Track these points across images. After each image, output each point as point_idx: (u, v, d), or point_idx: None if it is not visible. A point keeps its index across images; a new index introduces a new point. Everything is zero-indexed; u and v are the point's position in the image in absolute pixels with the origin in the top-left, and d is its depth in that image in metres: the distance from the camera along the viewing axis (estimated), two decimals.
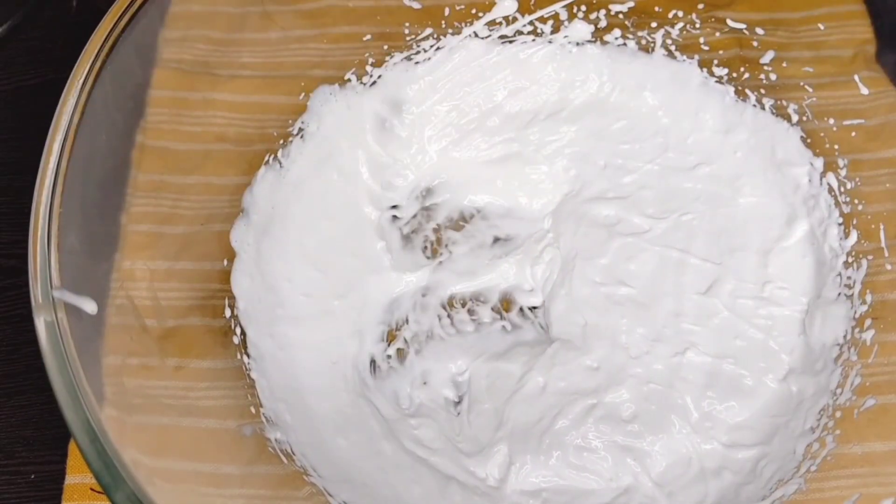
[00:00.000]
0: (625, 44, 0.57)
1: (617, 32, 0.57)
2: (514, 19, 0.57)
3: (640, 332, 0.51)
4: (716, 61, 0.56)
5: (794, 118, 0.54)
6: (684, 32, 0.56)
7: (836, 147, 0.52)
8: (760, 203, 0.54)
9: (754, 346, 0.51)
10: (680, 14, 0.55)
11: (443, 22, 0.56)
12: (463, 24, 0.57)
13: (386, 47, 0.56)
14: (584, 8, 0.56)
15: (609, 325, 0.52)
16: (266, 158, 0.53)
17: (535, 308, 0.54)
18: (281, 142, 0.54)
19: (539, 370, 0.50)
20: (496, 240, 0.56)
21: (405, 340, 0.53)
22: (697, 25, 0.55)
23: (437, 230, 0.56)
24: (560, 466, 0.48)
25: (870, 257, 0.50)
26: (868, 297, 0.49)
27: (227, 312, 0.49)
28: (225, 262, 0.50)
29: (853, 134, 0.52)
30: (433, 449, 0.49)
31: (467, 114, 0.58)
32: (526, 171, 0.56)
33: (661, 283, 0.53)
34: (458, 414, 0.50)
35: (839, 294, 0.51)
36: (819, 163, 0.53)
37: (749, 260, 0.53)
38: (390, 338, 0.53)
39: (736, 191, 0.55)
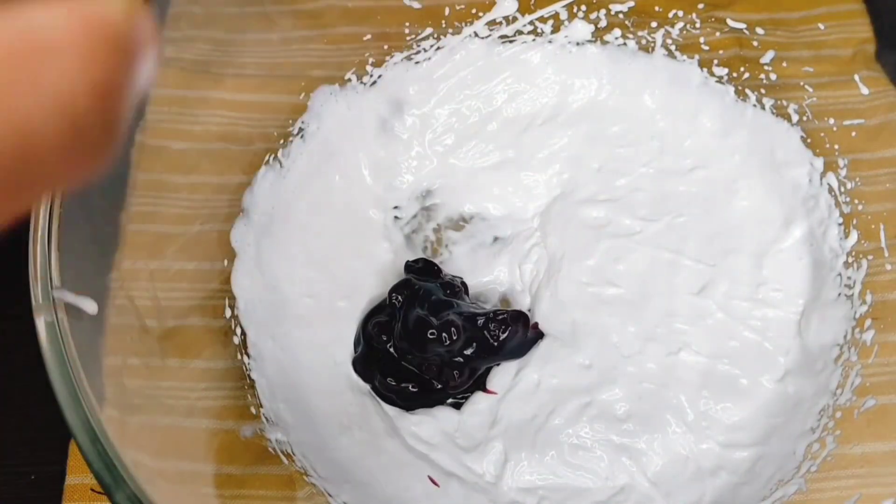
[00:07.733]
0: (625, 44, 0.57)
1: (617, 32, 0.57)
2: (514, 19, 0.57)
3: (632, 332, 0.51)
4: (716, 61, 0.56)
5: (794, 118, 0.54)
6: (684, 32, 0.56)
7: (836, 147, 0.52)
8: (756, 206, 0.54)
9: (749, 348, 0.51)
10: (680, 14, 0.55)
11: (443, 22, 0.56)
12: (463, 24, 0.57)
13: (386, 47, 0.56)
14: (584, 8, 0.56)
15: (598, 324, 0.52)
16: (266, 158, 0.53)
17: (531, 309, 0.54)
18: (281, 142, 0.54)
19: (532, 367, 0.50)
20: (496, 240, 0.56)
21: None
22: (697, 25, 0.55)
23: (437, 230, 0.56)
24: (556, 464, 0.48)
25: (870, 257, 0.50)
26: (868, 298, 0.49)
27: (228, 312, 0.49)
28: (225, 262, 0.50)
29: (853, 134, 0.52)
30: (433, 444, 0.49)
31: (467, 118, 0.57)
32: (521, 176, 0.56)
33: (651, 283, 0.53)
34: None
35: (839, 294, 0.50)
36: (819, 163, 0.53)
37: (743, 262, 0.53)
38: None
39: (732, 194, 0.54)
